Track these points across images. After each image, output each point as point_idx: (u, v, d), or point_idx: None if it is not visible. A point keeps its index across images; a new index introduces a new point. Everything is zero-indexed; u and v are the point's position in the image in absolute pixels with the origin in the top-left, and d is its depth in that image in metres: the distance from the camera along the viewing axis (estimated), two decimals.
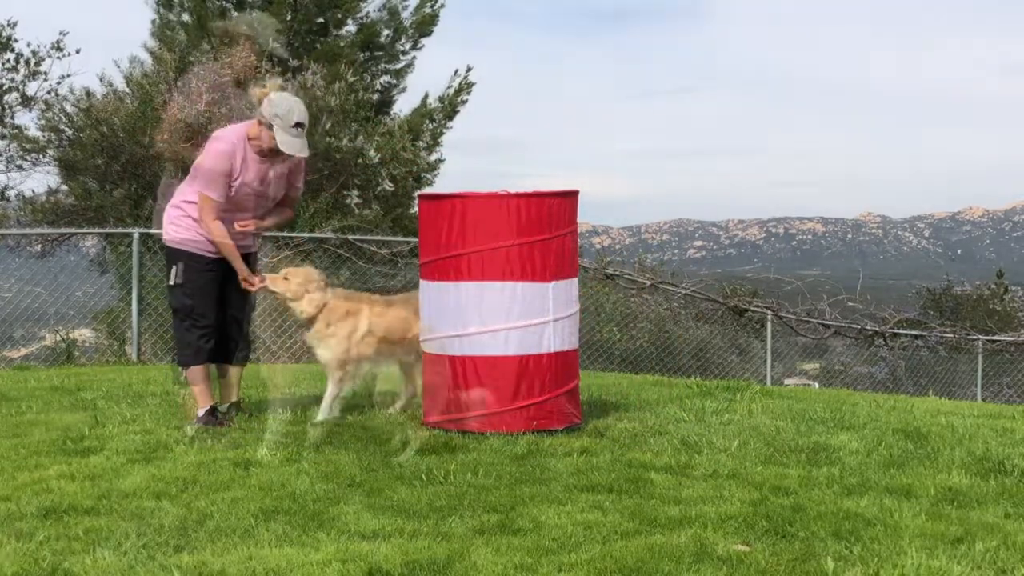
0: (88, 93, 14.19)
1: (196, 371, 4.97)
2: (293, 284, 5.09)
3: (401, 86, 18.83)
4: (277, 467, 3.92)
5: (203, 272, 4.95)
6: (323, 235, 12.51)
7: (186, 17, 17.17)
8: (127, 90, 14.65)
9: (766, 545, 2.89)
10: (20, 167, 14.87)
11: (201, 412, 4.93)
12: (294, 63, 15.42)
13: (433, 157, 17.91)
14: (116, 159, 13.73)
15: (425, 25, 18.52)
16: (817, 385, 13.98)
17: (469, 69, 17.86)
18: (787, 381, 14.09)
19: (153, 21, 17.61)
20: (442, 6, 18.44)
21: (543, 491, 3.52)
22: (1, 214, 15.02)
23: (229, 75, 13.93)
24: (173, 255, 5.00)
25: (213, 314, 5.00)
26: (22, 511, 3.28)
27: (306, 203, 14.35)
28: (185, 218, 4.98)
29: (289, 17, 17.33)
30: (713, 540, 2.92)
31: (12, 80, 14.99)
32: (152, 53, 16.64)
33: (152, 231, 11.68)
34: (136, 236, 10.51)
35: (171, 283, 5.00)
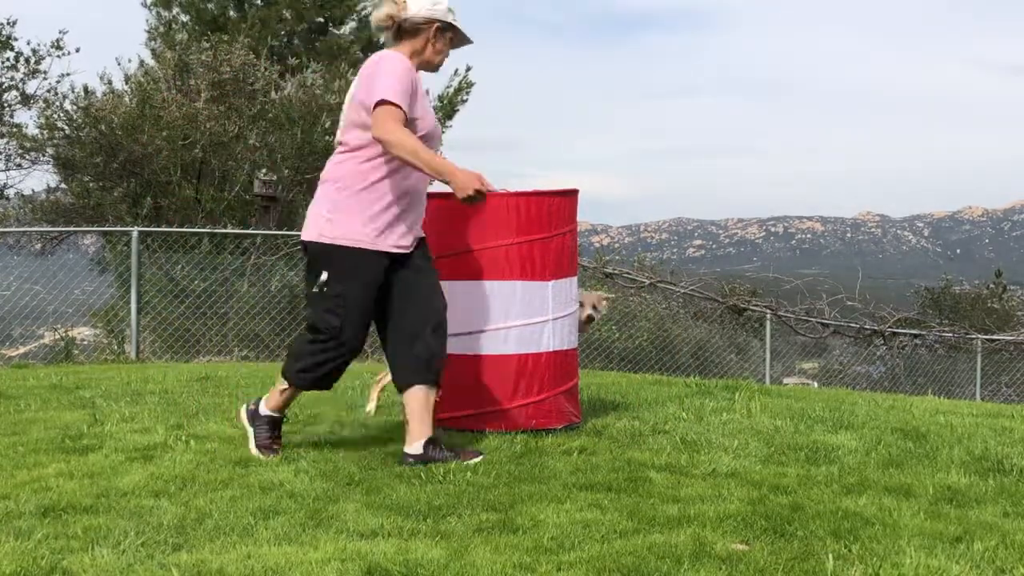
0: (87, 91, 14.19)
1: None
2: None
3: None
4: (276, 466, 3.92)
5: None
6: None
7: (185, 17, 17.17)
8: (126, 89, 14.65)
9: (765, 544, 2.89)
10: (19, 166, 14.89)
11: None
12: (294, 61, 15.41)
13: None
14: (115, 158, 13.73)
15: None
16: (816, 384, 13.99)
17: (468, 69, 17.89)
18: (786, 380, 14.10)
19: (147, 20, 17.61)
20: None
21: (542, 490, 3.52)
22: (1, 213, 15.02)
23: (229, 72, 13.93)
24: (326, 255, 4.04)
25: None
26: (20, 509, 3.28)
27: (305, 201, 14.35)
28: None
29: (288, 15, 17.32)
30: (712, 539, 2.92)
31: (11, 79, 15.00)
32: (153, 51, 16.65)
33: (152, 229, 11.71)
34: (135, 235, 10.51)
35: (323, 288, 4.03)
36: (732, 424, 4.95)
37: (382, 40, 4.21)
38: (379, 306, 4.06)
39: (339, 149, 4.01)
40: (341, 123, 4.04)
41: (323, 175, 4.04)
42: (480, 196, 3.84)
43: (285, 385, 4.12)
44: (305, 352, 4.03)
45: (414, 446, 3.96)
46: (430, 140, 3.98)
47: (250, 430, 4.20)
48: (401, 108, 3.80)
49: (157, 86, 14.27)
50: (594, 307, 5.04)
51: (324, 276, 3.93)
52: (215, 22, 17.11)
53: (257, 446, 4.13)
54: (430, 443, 3.97)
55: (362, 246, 3.91)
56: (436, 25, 4.03)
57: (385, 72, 3.84)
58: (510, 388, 4.60)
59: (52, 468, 3.88)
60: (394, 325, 4.08)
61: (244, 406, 4.30)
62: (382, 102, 3.78)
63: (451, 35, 4.12)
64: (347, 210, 3.91)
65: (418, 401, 3.99)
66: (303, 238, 4.02)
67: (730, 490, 3.53)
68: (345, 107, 4.02)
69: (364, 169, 3.92)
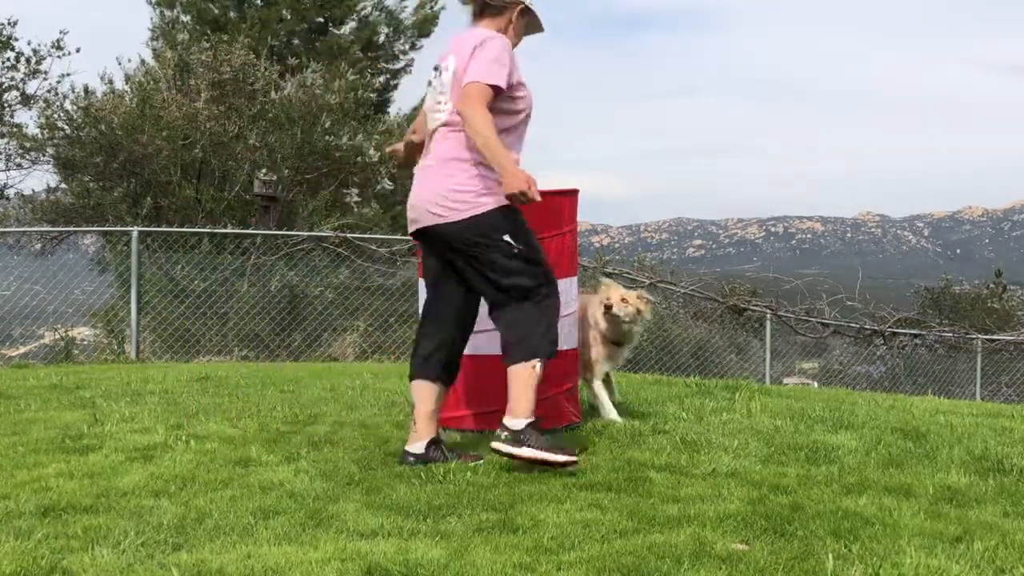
0: (87, 91, 14.20)
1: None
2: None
3: (394, 84, 18.85)
4: (276, 466, 3.92)
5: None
6: (322, 233, 12.51)
7: (186, 17, 17.17)
8: (126, 89, 14.66)
9: (765, 544, 2.89)
10: (19, 166, 14.89)
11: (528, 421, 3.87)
12: (293, 61, 15.42)
13: None
14: (115, 158, 13.74)
15: (425, 25, 18.52)
16: (816, 384, 13.99)
17: None
18: (786, 380, 14.10)
19: (151, 19, 17.61)
20: (442, 8, 18.48)
21: (542, 489, 3.52)
22: (1, 213, 15.02)
23: (229, 72, 13.93)
24: (497, 220, 3.89)
25: None
26: (20, 509, 3.28)
27: (305, 201, 14.36)
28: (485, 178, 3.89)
29: (288, 15, 17.32)
30: (712, 539, 2.92)
31: (12, 79, 15.01)
32: (154, 51, 16.65)
33: (152, 229, 11.71)
34: (135, 234, 10.52)
35: (514, 250, 3.88)
36: (732, 424, 4.95)
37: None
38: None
39: (452, 128, 3.93)
40: (446, 103, 3.96)
41: (443, 154, 3.93)
42: (524, 198, 3.76)
43: (526, 378, 3.86)
44: (536, 318, 3.86)
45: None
46: (528, 115, 4.04)
47: (536, 452, 3.79)
48: (493, 91, 3.80)
49: (157, 86, 14.28)
50: (623, 300, 4.94)
51: (508, 238, 3.86)
52: (216, 22, 17.11)
53: (558, 459, 3.77)
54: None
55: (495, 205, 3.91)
56: (520, 7, 4.04)
57: (489, 52, 3.84)
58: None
59: (52, 468, 3.88)
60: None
61: (499, 444, 3.84)
62: (478, 81, 3.79)
63: (527, 20, 4.11)
64: (487, 177, 3.86)
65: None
66: (458, 218, 3.84)
67: (730, 490, 3.53)
68: (447, 85, 3.96)
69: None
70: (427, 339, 4.11)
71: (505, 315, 3.93)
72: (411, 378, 4.12)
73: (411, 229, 4.06)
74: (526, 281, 3.88)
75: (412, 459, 3.95)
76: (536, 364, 3.85)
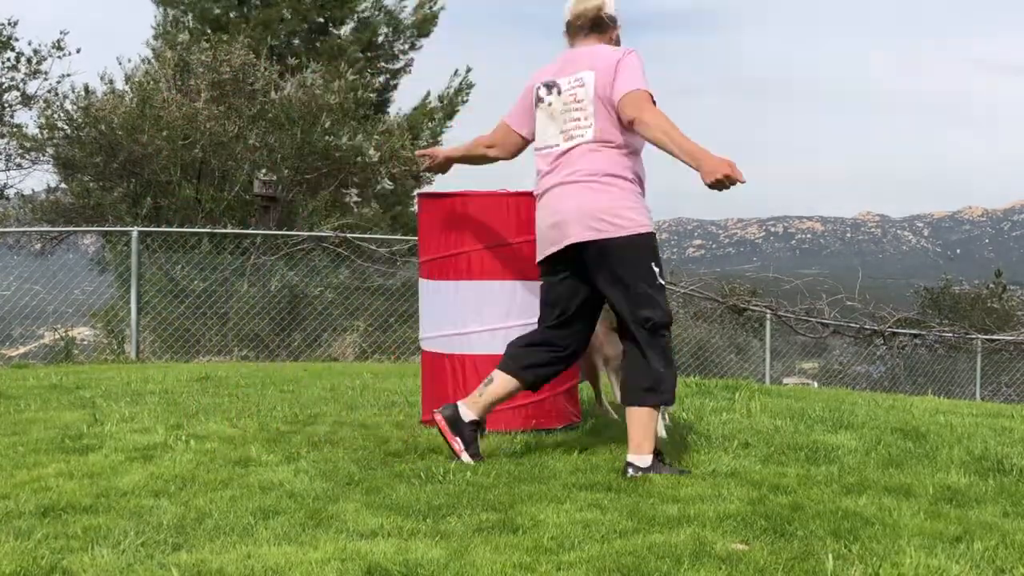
0: (87, 91, 14.20)
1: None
2: None
3: (394, 84, 18.85)
4: (275, 466, 3.92)
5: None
6: (322, 233, 12.52)
7: (188, 17, 17.17)
8: (126, 89, 14.66)
9: (764, 544, 2.89)
10: (19, 166, 14.89)
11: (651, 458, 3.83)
12: (293, 61, 15.42)
13: None
14: (115, 158, 13.74)
15: (425, 25, 18.52)
16: (816, 384, 13.99)
17: (469, 70, 17.92)
18: (786, 380, 14.10)
19: (155, 17, 17.61)
20: (442, 8, 18.47)
21: (542, 489, 3.52)
22: (1, 213, 15.03)
23: (228, 72, 13.93)
24: (650, 244, 3.87)
25: None
26: (20, 509, 3.28)
27: (305, 201, 14.36)
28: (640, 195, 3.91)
29: (289, 15, 17.32)
30: (712, 539, 2.92)
31: (12, 79, 15.01)
32: (153, 51, 16.64)
33: (152, 229, 11.70)
34: (135, 235, 10.52)
35: (657, 281, 3.86)
36: (732, 424, 4.95)
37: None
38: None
39: (604, 144, 3.86)
40: (585, 119, 3.90)
41: (594, 169, 3.84)
42: (729, 182, 3.59)
43: (649, 418, 3.83)
44: (664, 357, 3.83)
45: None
46: None
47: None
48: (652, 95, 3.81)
49: (157, 86, 14.28)
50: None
51: (654, 266, 3.83)
52: (217, 21, 17.11)
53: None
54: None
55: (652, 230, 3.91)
56: (619, 25, 4.09)
57: (633, 63, 3.84)
58: None
59: (52, 468, 3.88)
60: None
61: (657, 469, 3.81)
62: (638, 88, 3.78)
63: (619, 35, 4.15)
64: (642, 198, 3.90)
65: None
66: (620, 234, 3.78)
67: (730, 490, 3.53)
68: (587, 102, 3.89)
69: (628, 162, 3.87)
70: (536, 354, 4.07)
71: (633, 351, 3.89)
72: (502, 368, 4.08)
73: (556, 247, 3.92)
74: (659, 316, 3.82)
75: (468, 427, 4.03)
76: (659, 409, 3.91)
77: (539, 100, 4.03)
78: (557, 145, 3.94)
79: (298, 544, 2.89)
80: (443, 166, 4.54)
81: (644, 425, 3.80)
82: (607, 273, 3.84)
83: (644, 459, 3.78)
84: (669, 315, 3.88)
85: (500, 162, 4.38)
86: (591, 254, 3.84)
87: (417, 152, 4.57)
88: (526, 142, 4.21)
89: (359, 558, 2.73)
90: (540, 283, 4.15)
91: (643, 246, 3.81)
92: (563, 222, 3.85)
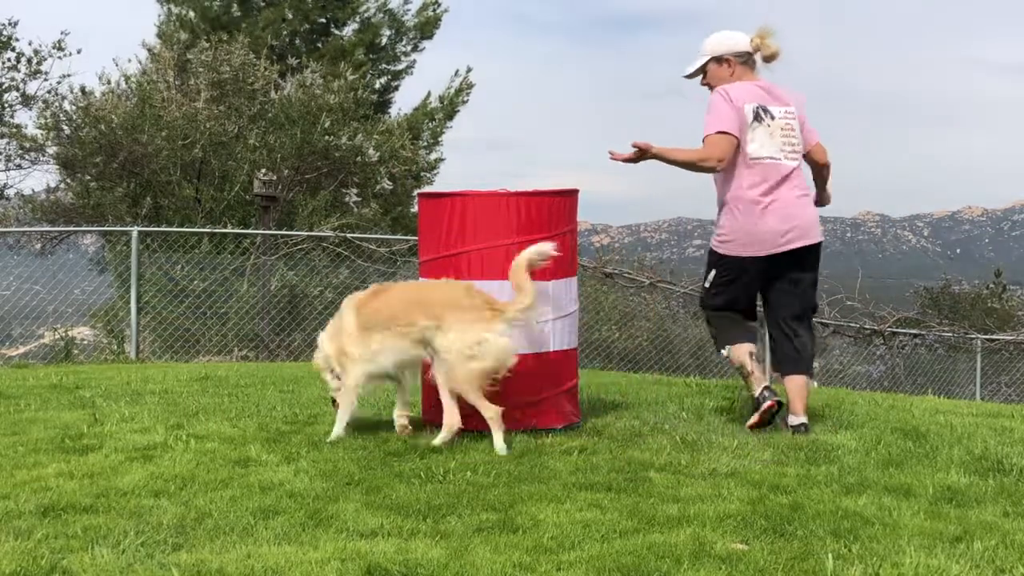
0: (85, 91, 14.20)
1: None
2: None
3: (395, 85, 18.84)
4: (275, 466, 3.92)
5: None
6: (322, 233, 12.51)
7: (191, 15, 17.14)
8: (126, 89, 14.65)
9: (764, 544, 2.89)
10: (19, 166, 14.90)
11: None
12: (294, 61, 15.42)
13: (433, 156, 17.91)
14: (115, 157, 13.73)
15: (428, 27, 18.51)
16: (816, 384, 13.97)
17: (469, 70, 17.91)
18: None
19: (158, 15, 17.60)
20: (445, 11, 18.46)
21: (542, 489, 3.52)
22: (1, 213, 15.02)
23: (228, 72, 13.93)
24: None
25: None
26: (20, 509, 3.28)
27: (304, 201, 14.36)
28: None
29: (291, 15, 17.31)
30: (712, 539, 2.92)
31: (12, 79, 15.01)
32: (151, 50, 16.62)
33: (152, 229, 11.70)
34: (135, 234, 10.51)
35: (817, 276, 4.99)
36: (732, 424, 4.95)
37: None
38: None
39: (798, 163, 4.79)
40: (799, 144, 4.78)
41: (806, 187, 4.85)
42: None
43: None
44: (814, 342, 4.98)
45: None
46: None
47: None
48: None
49: (157, 86, 14.28)
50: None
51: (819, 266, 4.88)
52: (218, 20, 17.11)
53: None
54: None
55: None
56: None
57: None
58: (510, 388, 4.59)
59: (52, 468, 3.88)
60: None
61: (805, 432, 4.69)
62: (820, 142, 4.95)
63: None
64: None
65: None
66: (822, 239, 4.83)
67: (730, 490, 3.53)
68: (798, 132, 4.78)
69: None
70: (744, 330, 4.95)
71: (804, 331, 4.86)
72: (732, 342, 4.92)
73: (792, 245, 4.70)
74: (815, 304, 4.95)
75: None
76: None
77: (758, 119, 4.69)
78: (780, 160, 4.71)
79: (298, 544, 2.89)
80: (632, 160, 4.81)
81: (806, 391, 4.81)
82: (809, 269, 4.81)
83: (805, 417, 4.76)
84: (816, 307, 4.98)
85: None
86: (814, 253, 4.80)
87: (616, 154, 4.84)
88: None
89: (359, 558, 2.73)
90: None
91: (818, 250, 4.85)
92: (802, 227, 4.72)
